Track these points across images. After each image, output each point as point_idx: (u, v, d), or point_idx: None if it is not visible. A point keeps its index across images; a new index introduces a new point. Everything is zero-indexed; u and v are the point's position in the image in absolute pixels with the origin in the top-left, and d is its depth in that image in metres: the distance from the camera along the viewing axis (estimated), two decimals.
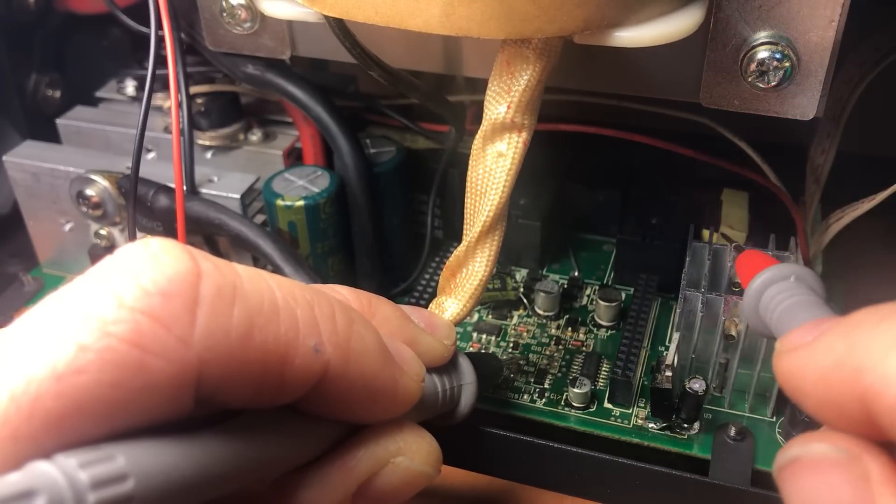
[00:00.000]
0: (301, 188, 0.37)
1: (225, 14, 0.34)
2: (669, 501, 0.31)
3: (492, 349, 0.38)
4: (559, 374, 0.36)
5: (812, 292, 0.26)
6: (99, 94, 0.46)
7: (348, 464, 0.23)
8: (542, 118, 0.28)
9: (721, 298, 0.33)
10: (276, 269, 0.35)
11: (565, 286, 0.40)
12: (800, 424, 0.32)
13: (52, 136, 0.44)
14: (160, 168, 0.39)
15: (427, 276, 0.41)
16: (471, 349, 0.38)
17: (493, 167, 0.28)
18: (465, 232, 0.30)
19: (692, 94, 0.31)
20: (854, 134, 0.36)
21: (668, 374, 0.32)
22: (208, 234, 0.38)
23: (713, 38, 0.29)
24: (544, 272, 0.43)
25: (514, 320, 0.39)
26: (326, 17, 0.28)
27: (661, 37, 0.26)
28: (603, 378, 0.36)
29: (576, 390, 0.34)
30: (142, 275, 0.18)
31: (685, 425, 0.33)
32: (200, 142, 0.41)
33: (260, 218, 0.39)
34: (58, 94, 0.46)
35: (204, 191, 0.38)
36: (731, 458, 0.32)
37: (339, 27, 0.29)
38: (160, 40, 0.35)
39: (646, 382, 0.35)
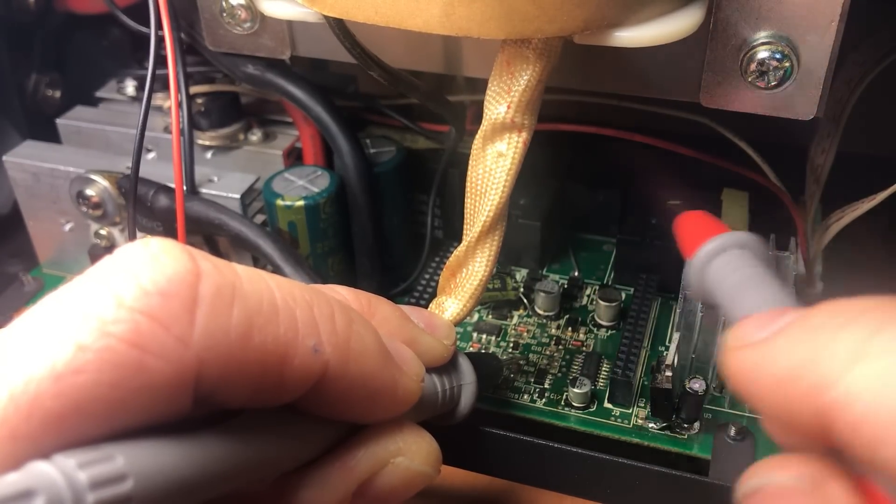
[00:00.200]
0: (301, 188, 0.37)
1: (225, 14, 0.34)
2: (669, 501, 0.31)
3: (492, 349, 0.38)
4: (559, 374, 0.36)
5: (760, 262, 0.24)
6: (99, 94, 0.46)
7: (348, 464, 0.23)
8: (542, 118, 0.28)
9: None
10: (276, 269, 0.35)
11: (565, 286, 0.40)
12: None
13: (52, 136, 0.44)
14: (160, 168, 0.39)
15: (427, 276, 0.41)
16: (471, 349, 0.38)
17: (493, 167, 0.28)
18: (465, 232, 0.30)
19: (692, 94, 0.31)
20: (854, 134, 0.36)
21: (668, 374, 0.32)
22: (208, 234, 0.38)
23: (713, 38, 0.29)
24: (544, 272, 0.42)
25: (514, 320, 0.39)
26: (326, 17, 0.28)
27: (661, 37, 0.26)
28: (603, 378, 0.36)
29: (576, 390, 0.34)
30: (141, 275, 0.18)
31: (685, 425, 0.33)
32: (200, 142, 0.41)
33: (260, 218, 0.39)
34: (58, 94, 0.46)
35: (204, 191, 0.38)
36: (731, 458, 0.32)
37: (339, 27, 0.29)
38: (160, 40, 0.35)
39: (646, 382, 0.35)
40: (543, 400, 0.35)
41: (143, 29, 0.37)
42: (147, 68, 0.35)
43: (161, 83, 0.40)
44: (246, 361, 0.19)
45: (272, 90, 0.38)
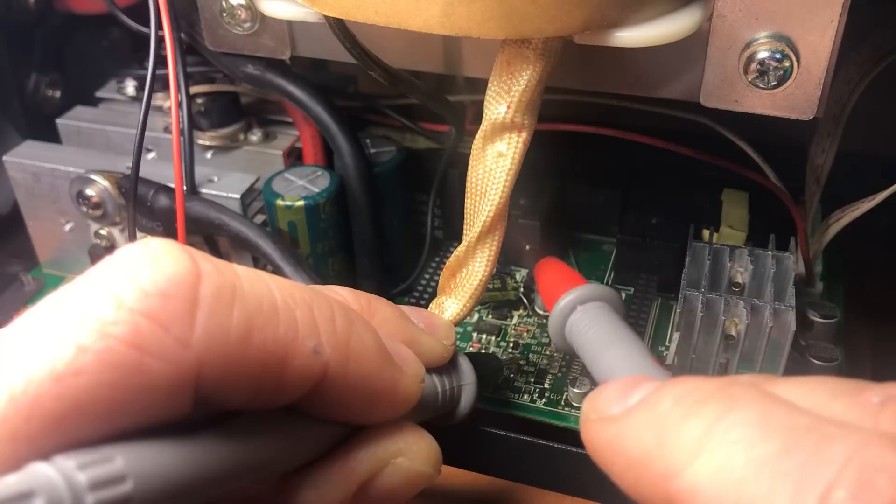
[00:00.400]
0: (301, 188, 0.37)
1: (225, 14, 0.34)
2: None
3: (492, 349, 0.38)
4: (559, 374, 0.36)
5: (617, 317, 0.25)
6: (99, 94, 0.46)
7: (349, 464, 0.23)
8: (542, 118, 0.28)
9: (721, 298, 0.33)
10: (276, 270, 0.35)
11: None
12: None
13: (52, 136, 0.44)
14: (160, 168, 0.39)
15: (427, 276, 0.41)
16: (471, 349, 0.38)
17: (493, 167, 0.28)
18: (465, 232, 0.30)
19: (692, 94, 0.31)
20: (854, 134, 0.36)
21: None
22: (208, 235, 0.38)
23: (713, 38, 0.29)
24: None
25: (514, 320, 0.39)
26: (326, 17, 0.28)
27: (661, 37, 0.26)
28: None
29: (576, 390, 0.34)
30: (141, 275, 0.18)
31: None
32: (200, 142, 0.41)
33: (260, 218, 0.39)
34: (58, 94, 0.46)
35: (204, 191, 0.38)
36: None
37: (339, 27, 0.29)
38: (160, 40, 0.35)
39: None
40: (543, 400, 0.35)
41: (143, 29, 0.37)
42: (147, 68, 0.35)
43: (161, 83, 0.40)
44: (246, 362, 0.19)
45: (272, 90, 0.38)
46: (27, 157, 0.41)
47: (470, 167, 0.29)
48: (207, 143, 0.41)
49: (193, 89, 0.40)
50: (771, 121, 0.30)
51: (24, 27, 0.43)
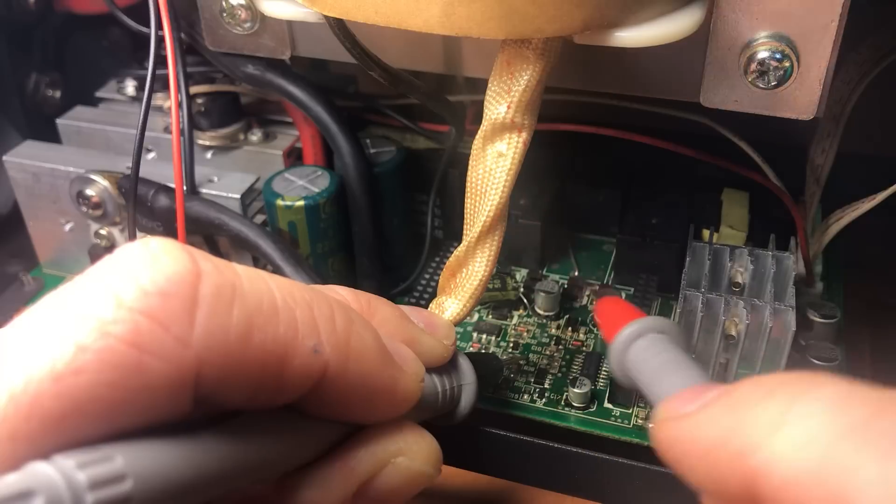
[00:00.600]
0: (301, 188, 0.37)
1: (225, 14, 0.34)
2: (669, 501, 0.31)
3: (492, 349, 0.38)
4: (559, 374, 0.36)
5: (678, 347, 0.25)
6: (99, 94, 0.46)
7: (349, 464, 0.23)
8: (542, 118, 0.28)
9: (721, 298, 0.33)
10: (276, 270, 0.35)
11: (565, 286, 0.40)
12: None
13: (52, 136, 0.44)
14: (160, 168, 0.39)
15: (427, 276, 0.41)
16: (471, 349, 0.38)
17: (493, 167, 0.28)
18: (465, 232, 0.30)
19: (692, 94, 0.31)
20: (854, 134, 0.36)
21: None
22: (208, 234, 0.38)
23: (713, 38, 0.29)
24: (544, 272, 0.42)
25: (514, 320, 0.39)
26: (326, 17, 0.28)
27: (661, 37, 0.26)
28: (603, 378, 0.36)
29: (576, 390, 0.34)
30: (141, 275, 0.18)
31: None
32: (200, 142, 0.41)
33: (260, 218, 0.39)
34: (58, 94, 0.46)
35: (204, 191, 0.38)
36: None
37: (339, 27, 0.29)
38: (160, 40, 0.35)
39: None
40: (543, 400, 0.35)
41: (143, 29, 0.37)
42: (147, 68, 0.35)
43: (161, 83, 0.40)
44: (246, 361, 0.19)
45: (272, 90, 0.38)
46: (27, 157, 0.41)
47: (470, 167, 0.29)
48: (207, 143, 0.41)
49: (193, 89, 0.40)
50: (771, 121, 0.30)
51: (24, 27, 0.43)
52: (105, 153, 0.42)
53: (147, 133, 0.36)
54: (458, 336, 0.37)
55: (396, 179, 0.39)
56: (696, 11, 0.27)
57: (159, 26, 0.35)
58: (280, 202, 0.37)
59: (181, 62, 0.36)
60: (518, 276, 0.42)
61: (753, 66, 0.28)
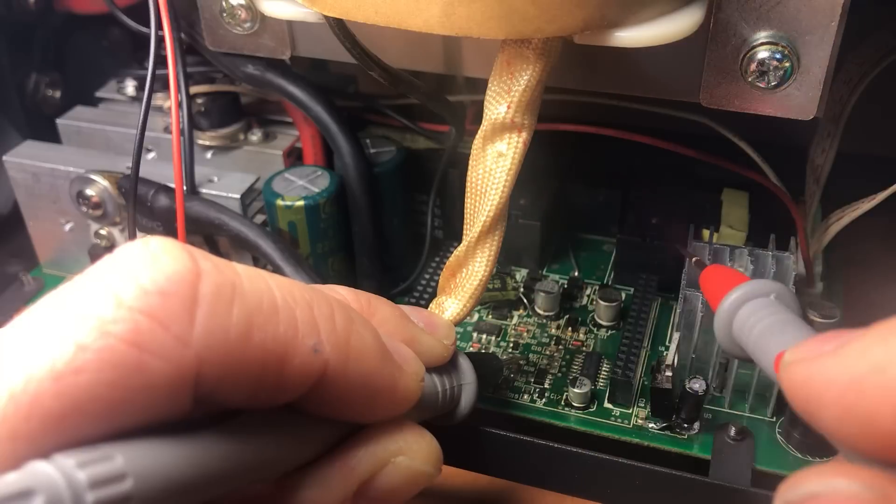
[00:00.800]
0: (301, 188, 0.37)
1: (225, 14, 0.34)
2: (669, 501, 0.31)
3: (492, 349, 0.38)
4: (559, 374, 0.36)
5: (791, 311, 0.23)
6: (99, 94, 0.46)
7: (349, 463, 0.23)
8: (542, 118, 0.28)
9: None
10: (276, 269, 0.35)
11: (565, 286, 0.40)
12: (800, 425, 0.32)
13: (52, 136, 0.44)
14: (160, 168, 0.39)
15: (427, 276, 0.41)
16: (471, 349, 0.38)
17: (493, 167, 0.28)
18: (465, 232, 0.30)
19: (692, 94, 0.31)
20: (854, 134, 0.36)
21: (668, 374, 0.32)
22: (208, 234, 0.38)
23: (713, 38, 0.29)
24: (544, 272, 0.42)
25: (514, 320, 0.39)
26: (326, 17, 0.28)
27: (661, 37, 0.26)
28: (603, 378, 0.36)
29: (576, 390, 0.34)
30: (141, 274, 0.18)
31: (685, 425, 0.33)
32: (200, 142, 0.41)
33: (260, 218, 0.39)
34: (58, 94, 0.46)
35: (204, 191, 0.38)
36: (731, 458, 0.32)
37: (339, 27, 0.29)
38: (160, 40, 0.35)
39: (646, 382, 0.35)
40: (543, 400, 0.35)
41: (143, 29, 0.37)
42: (147, 68, 0.35)
43: (161, 83, 0.40)
44: (246, 361, 0.19)
45: (272, 90, 0.38)
46: (27, 157, 0.41)
47: (470, 167, 0.29)
48: (207, 143, 0.41)
49: (193, 89, 0.40)
50: (771, 121, 0.30)
51: (24, 27, 0.43)
52: (105, 153, 0.42)
53: (147, 133, 0.36)
54: (458, 336, 0.37)
55: (396, 179, 0.39)
56: (696, 11, 0.27)
57: (159, 26, 0.35)
58: (280, 202, 0.37)
59: (181, 62, 0.36)
60: (518, 276, 0.42)
61: (753, 66, 0.28)
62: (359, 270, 0.39)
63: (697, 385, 0.32)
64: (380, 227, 0.38)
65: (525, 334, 0.38)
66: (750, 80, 0.29)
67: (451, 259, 0.30)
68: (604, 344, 0.38)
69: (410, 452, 0.24)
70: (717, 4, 0.28)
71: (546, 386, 0.36)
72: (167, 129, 0.42)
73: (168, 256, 0.18)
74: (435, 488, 0.32)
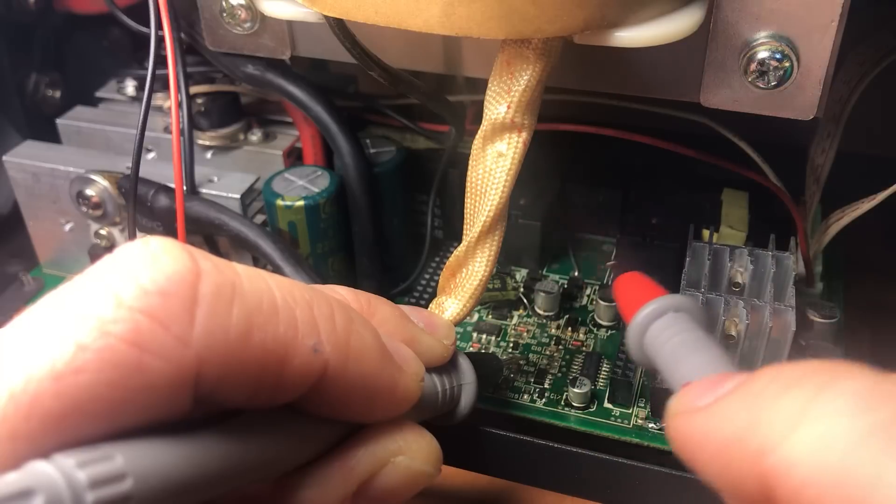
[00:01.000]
0: (301, 188, 0.37)
1: (225, 14, 0.34)
2: (669, 501, 0.31)
3: (492, 349, 0.38)
4: (559, 374, 0.36)
5: (698, 326, 0.24)
6: (99, 94, 0.46)
7: (348, 463, 0.23)
8: (542, 118, 0.28)
9: (721, 298, 0.33)
10: (276, 269, 0.35)
11: (565, 286, 0.40)
12: None
13: (52, 136, 0.44)
14: (160, 168, 0.39)
15: (427, 276, 0.41)
16: (471, 349, 0.38)
17: (493, 167, 0.28)
18: (465, 232, 0.30)
19: (692, 94, 0.31)
20: (854, 134, 0.36)
21: None
22: (208, 234, 0.38)
23: (713, 38, 0.29)
24: (544, 272, 0.42)
25: (514, 320, 0.39)
26: (326, 17, 0.28)
27: (661, 37, 0.26)
28: (603, 378, 0.36)
29: (576, 390, 0.34)
30: (141, 274, 0.18)
31: None
32: (200, 142, 0.41)
33: (260, 218, 0.39)
34: (58, 94, 0.46)
35: (204, 191, 0.38)
36: None
37: (339, 27, 0.29)
38: (160, 40, 0.35)
39: (646, 382, 0.35)
40: (543, 400, 0.35)
41: (143, 29, 0.37)
42: (147, 68, 0.35)
43: (161, 83, 0.40)
44: (245, 361, 0.19)
45: (272, 90, 0.38)
46: (27, 157, 0.41)
47: (470, 167, 0.29)
48: (207, 143, 0.41)
49: (193, 89, 0.40)
50: (771, 121, 0.30)
51: (24, 27, 0.43)
52: (105, 153, 0.42)
53: (147, 133, 0.36)
54: (458, 336, 0.37)
55: (396, 179, 0.39)
56: (696, 11, 0.27)
57: (159, 26, 0.35)
58: (280, 202, 0.37)
59: (181, 62, 0.36)
60: (518, 276, 0.42)
61: (753, 66, 0.28)
62: (359, 270, 0.39)
63: None
64: (380, 227, 0.38)
65: (525, 334, 0.38)
66: (750, 80, 0.29)
67: (451, 259, 0.30)
68: (604, 344, 0.38)
69: (410, 452, 0.24)
70: (717, 4, 0.28)
71: (546, 386, 0.36)
72: (167, 129, 0.42)
73: (168, 256, 0.18)
74: (435, 488, 0.32)
